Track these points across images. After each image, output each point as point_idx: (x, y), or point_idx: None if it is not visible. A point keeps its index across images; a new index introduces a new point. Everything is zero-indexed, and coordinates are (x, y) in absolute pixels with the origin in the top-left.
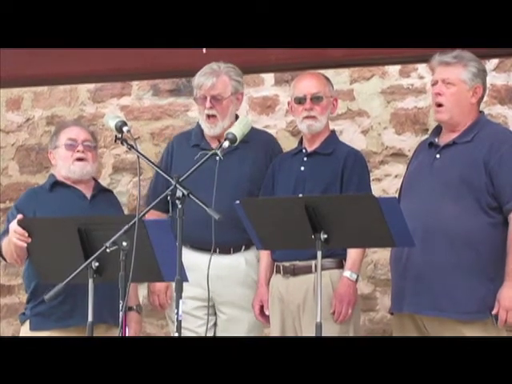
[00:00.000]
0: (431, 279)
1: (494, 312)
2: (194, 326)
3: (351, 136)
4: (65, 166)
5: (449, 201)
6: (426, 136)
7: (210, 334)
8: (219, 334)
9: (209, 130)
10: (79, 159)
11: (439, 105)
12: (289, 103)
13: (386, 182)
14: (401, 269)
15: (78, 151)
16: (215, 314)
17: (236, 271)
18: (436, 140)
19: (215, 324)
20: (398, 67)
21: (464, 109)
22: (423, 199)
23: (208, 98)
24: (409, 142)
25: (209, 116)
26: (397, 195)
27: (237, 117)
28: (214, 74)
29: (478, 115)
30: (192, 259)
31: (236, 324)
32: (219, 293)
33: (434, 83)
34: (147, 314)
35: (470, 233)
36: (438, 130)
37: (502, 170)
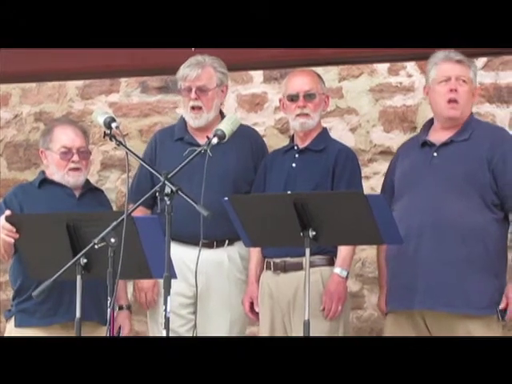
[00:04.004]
0: (444, 275)
1: (501, 307)
2: (176, 326)
3: (340, 134)
4: (58, 173)
5: (455, 197)
6: (415, 134)
7: (193, 333)
8: (199, 330)
9: (193, 121)
10: (74, 169)
11: (454, 101)
12: (280, 100)
13: (375, 180)
14: (407, 265)
15: (72, 161)
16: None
17: (218, 267)
18: (429, 139)
19: (195, 325)
20: (386, 65)
21: (468, 108)
22: (427, 196)
23: (193, 89)
24: (397, 140)
25: (193, 107)
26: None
27: (222, 114)
28: (200, 66)
29: (470, 115)
30: (174, 252)
31: (216, 320)
32: (200, 288)
33: (447, 79)
34: (135, 312)
35: (479, 228)
36: (426, 129)
37: (505, 169)
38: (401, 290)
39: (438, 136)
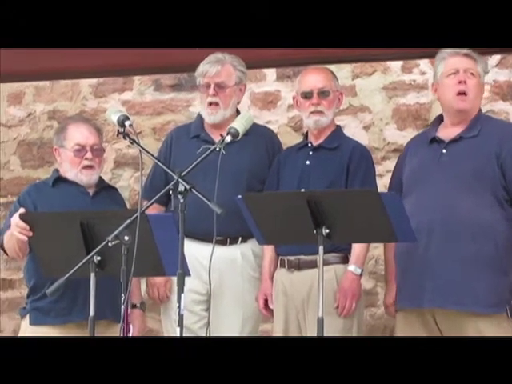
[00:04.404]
0: (453, 272)
1: None
2: (190, 323)
3: (353, 131)
4: (72, 171)
5: (464, 194)
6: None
7: (206, 331)
8: (212, 328)
9: (209, 116)
10: (87, 166)
11: (463, 93)
12: (294, 98)
13: (388, 178)
14: (416, 263)
15: (86, 159)
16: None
17: (231, 264)
18: (438, 135)
19: (208, 322)
20: (399, 63)
21: (478, 103)
22: (437, 194)
23: (212, 86)
24: (410, 138)
25: (211, 103)
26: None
27: (238, 112)
28: (220, 63)
29: (478, 111)
30: (187, 249)
31: (229, 318)
32: (213, 285)
33: (455, 72)
34: (149, 309)
35: (488, 225)
36: (436, 125)
37: None
38: (410, 289)
39: (447, 132)
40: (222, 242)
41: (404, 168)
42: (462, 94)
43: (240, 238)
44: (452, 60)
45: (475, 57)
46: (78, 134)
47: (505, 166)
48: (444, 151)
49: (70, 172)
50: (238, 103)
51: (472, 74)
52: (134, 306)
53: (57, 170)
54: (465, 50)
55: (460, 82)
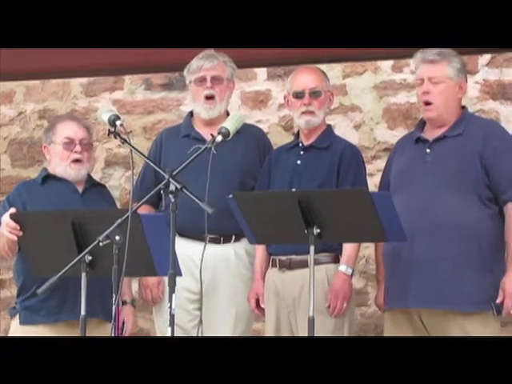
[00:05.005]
0: (439, 272)
1: (498, 300)
2: (183, 322)
3: (343, 131)
4: (61, 165)
5: (448, 194)
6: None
7: (198, 329)
8: (204, 327)
9: (207, 112)
10: (76, 160)
11: (427, 103)
12: (285, 97)
13: (379, 177)
14: (402, 264)
15: (75, 152)
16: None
17: (225, 262)
18: (423, 135)
19: (201, 321)
20: (390, 62)
21: (452, 105)
22: (422, 194)
23: (208, 79)
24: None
25: (208, 97)
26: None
27: (227, 113)
28: (213, 57)
29: (463, 110)
30: (181, 248)
31: (222, 316)
32: (206, 283)
33: (421, 82)
34: (139, 309)
35: (473, 224)
36: (421, 125)
37: (497, 163)
38: (397, 288)
39: (431, 132)
40: (216, 241)
41: (392, 168)
42: (427, 103)
43: (233, 237)
44: (420, 69)
45: (443, 60)
46: (67, 130)
47: (488, 165)
48: (428, 151)
49: (59, 167)
50: (230, 99)
51: (437, 81)
52: (124, 303)
53: (45, 169)
54: (432, 56)
55: (423, 93)
